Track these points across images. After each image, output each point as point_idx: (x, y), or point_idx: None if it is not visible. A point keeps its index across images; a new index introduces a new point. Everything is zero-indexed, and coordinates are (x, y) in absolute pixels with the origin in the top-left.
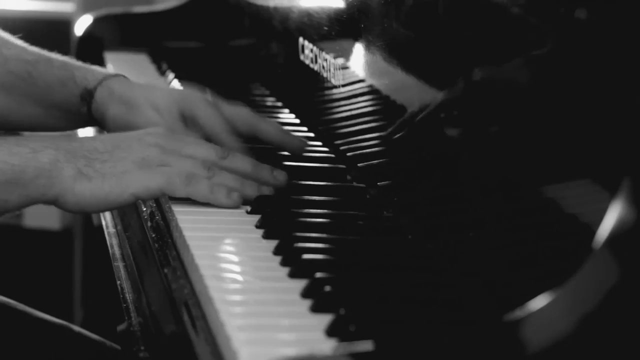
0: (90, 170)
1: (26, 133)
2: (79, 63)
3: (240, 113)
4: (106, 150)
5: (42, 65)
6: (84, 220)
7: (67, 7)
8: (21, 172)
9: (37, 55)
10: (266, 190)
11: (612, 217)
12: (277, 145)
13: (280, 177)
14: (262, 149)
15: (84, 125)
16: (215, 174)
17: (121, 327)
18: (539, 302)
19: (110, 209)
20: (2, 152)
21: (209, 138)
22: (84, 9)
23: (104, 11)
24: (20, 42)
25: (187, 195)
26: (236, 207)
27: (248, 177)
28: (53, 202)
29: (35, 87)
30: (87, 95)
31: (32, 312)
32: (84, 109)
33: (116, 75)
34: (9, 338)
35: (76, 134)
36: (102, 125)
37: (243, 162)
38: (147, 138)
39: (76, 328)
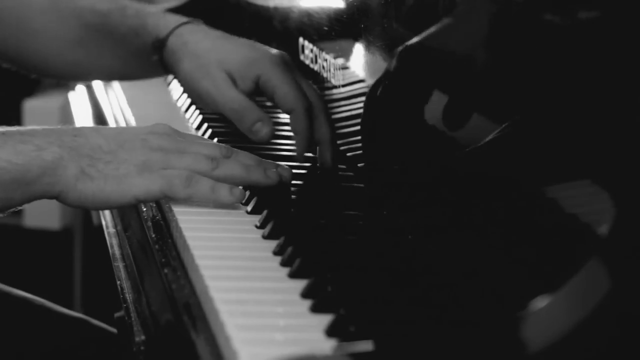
0: (93, 170)
1: None
2: (153, 9)
3: (311, 95)
4: (110, 151)
5: (115, 15)
6: (84, 220)
7: None
8: (26, 171)
9: (110, 4)
10: (272, 175)
11: (611, 218)
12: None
13: (285, 173)
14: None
15: (161, 74)
16: (220, 164)
17: (118, 314)
18: (539, 302)
19: (111, 209)
20: (7, 151)
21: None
22: None
23: None
24: None
25: (188, 197)
26: (239, 201)
27: None
28: (55, 197)
29: (110, 39)
30: (159, 45)
31: (52, 307)
32: (155, 58)
33: (189, 22)
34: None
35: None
36: (175, 76)
37: (247, 158)
38: (151, 139)
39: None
